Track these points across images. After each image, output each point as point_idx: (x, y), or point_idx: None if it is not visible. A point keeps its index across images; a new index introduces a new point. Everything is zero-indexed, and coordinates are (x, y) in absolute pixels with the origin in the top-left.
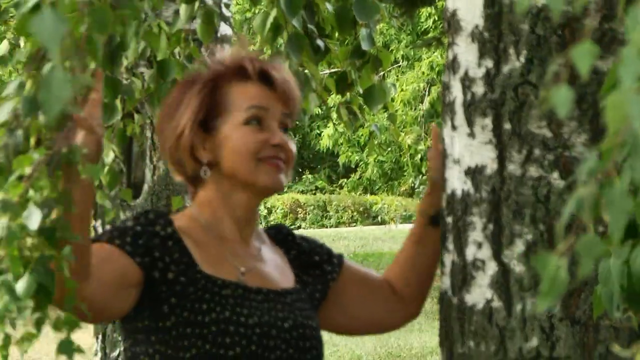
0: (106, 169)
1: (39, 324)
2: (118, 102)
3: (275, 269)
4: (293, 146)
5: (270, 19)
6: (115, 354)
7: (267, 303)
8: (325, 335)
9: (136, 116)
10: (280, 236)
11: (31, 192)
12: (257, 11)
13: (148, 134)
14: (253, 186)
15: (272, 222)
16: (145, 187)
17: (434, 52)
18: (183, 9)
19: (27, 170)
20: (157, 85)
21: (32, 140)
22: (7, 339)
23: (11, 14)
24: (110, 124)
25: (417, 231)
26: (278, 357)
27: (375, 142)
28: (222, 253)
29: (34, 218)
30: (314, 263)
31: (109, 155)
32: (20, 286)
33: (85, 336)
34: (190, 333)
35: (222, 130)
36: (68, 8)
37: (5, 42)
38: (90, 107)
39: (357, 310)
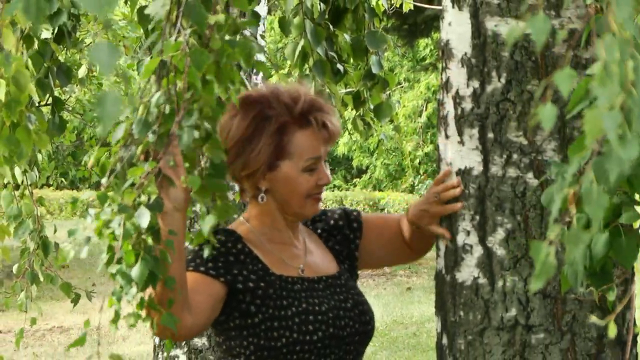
0: None
1: (142, 304)
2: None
3: (321, 256)
4: (330, 174)
5: (299, 48)
6: None
7: (328, 289)
8: None
9: None
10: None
11: (142, 197)
12: (287, 41)
13: None
14: (299, 215)
15: None
16: None
17: (430, 75)
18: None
19: (138, 179)
20: None
21: (141, 154)
22: (117, 315)
23: (86, 44)
24: None
25: (412, 231)
26: (349, 333)
27: (383, 148)
28: (280, 256)
29: (144, 218)
30: (337, 230)
31: None
32: (135, 273)
33: None
34: (278, 326)
35: (284, 170)
36: (173, 48)
37: (83, 67)
38: (176, 169)
39: (381, 252)
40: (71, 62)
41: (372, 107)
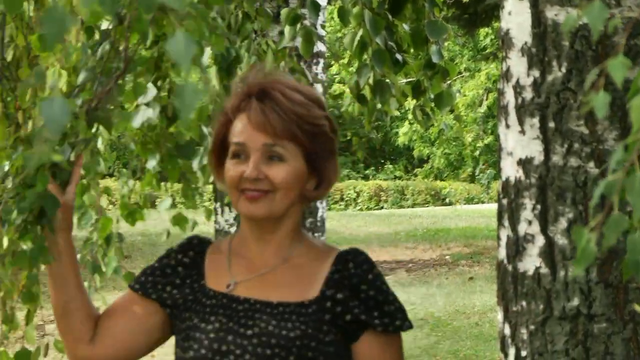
0: None
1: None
2: None
3: (290, 281)
4: (277, 173)
5: (358, 37)
6: None
7: (244, 312)
8: (404, 295)
9: None
10: (344, 261)
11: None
12: (347, 31)
13: None
14: (242, 214)
15: (359, 205)
16: None
17: (490, 65)
18: (287, 29)
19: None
20: None
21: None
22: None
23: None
24: None
25: None
26: None
27: (444, 138)
28: (227, 266)
29: (66, 153)
30: (363, 298)
31: None
32: (24, 202)
33: None
34: (177, 339)
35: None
36: None
37: None
38: (71, 185)
39: None
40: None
41: (432, 96)
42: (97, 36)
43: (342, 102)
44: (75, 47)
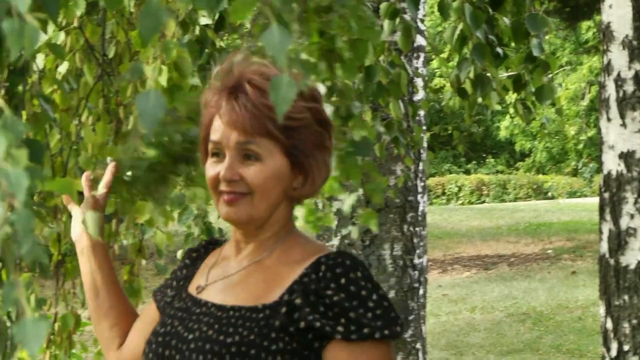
0: None
1: None
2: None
3: (254, 284)
4: (252, 174)
5: (458, 31)
6: None
7: (196, 316)
8: (505, 289)
9: None
10: (318, 264)
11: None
12: (447, 25)
13: None
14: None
15: (461, 199)
16: None
17: (592, 58)
18: (386, 23)
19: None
20: (365, 86)
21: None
22: None
23: (246, 29)
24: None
25: None
26: None
27: (545, 132)
28: (211, 269)
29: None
30: (324, 303)
31: None
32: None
33: None
34: None
35: None
36: None
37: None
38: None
39: None
40: (233, 47)
41: (533, 90)
42: (196, 31)
43: (443, 96)
44: (174, 43)
